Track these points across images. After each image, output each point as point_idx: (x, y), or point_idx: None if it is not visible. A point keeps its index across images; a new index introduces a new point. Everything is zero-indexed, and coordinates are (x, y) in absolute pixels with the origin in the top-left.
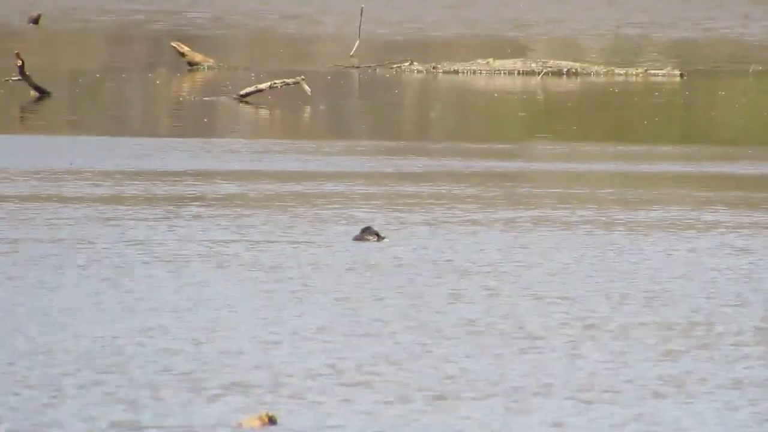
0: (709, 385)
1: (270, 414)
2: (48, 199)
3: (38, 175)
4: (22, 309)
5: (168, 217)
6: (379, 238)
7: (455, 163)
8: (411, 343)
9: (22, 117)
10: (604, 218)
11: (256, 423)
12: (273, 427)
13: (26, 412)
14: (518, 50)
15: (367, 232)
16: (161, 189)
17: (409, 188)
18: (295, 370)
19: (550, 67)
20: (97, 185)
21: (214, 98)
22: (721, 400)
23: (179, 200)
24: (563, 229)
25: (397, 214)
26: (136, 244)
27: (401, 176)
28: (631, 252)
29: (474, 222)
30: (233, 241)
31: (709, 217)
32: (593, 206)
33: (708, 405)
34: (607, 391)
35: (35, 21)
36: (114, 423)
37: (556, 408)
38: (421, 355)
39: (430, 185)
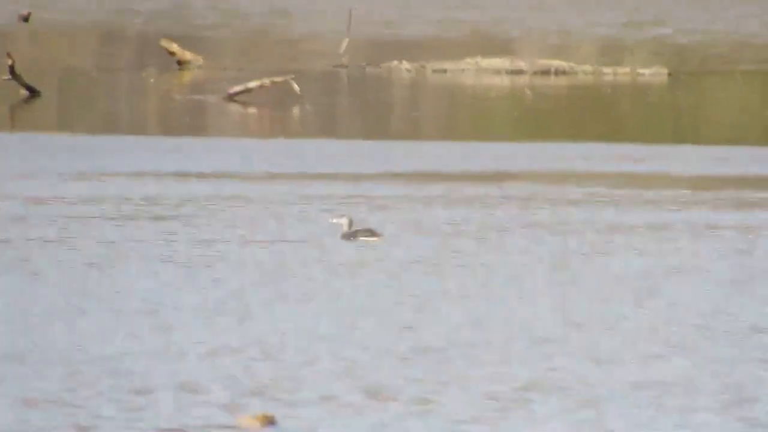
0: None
1: (268, 415)
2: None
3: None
4: None
5: (159, 218)
6: (374, 235)
7: (445, 162)
8: (410, 344)
9: (12, 116)
10: (596, 218)
11: (255, 423)
12: (271, 428)
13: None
14: (506, 49)
15: (360, 231)
16: (143, 188)
17: (397, 188)
18: (295, 371)
19: (538, 66)
20: (98, 185)
21: (202, 97)
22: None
23: (168, 200)
24: (555, 229)
25: (385, 213)
26: (109, 244)
27: (389, 176)
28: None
29: (468, 222)
30: (223, 240)
31: (709, 218)
32: (584, 206)
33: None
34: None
35: (25, 19)
36: (111, 424)
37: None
38: (420, 356)
39: (418, 185)
